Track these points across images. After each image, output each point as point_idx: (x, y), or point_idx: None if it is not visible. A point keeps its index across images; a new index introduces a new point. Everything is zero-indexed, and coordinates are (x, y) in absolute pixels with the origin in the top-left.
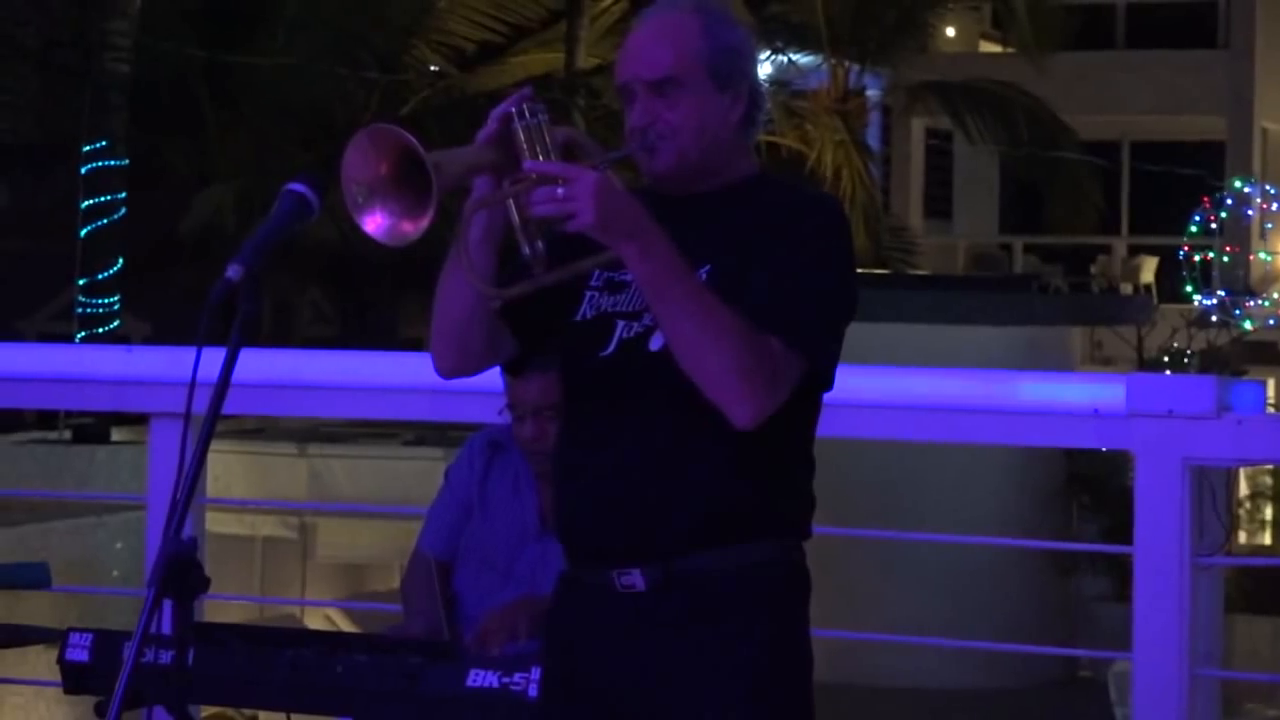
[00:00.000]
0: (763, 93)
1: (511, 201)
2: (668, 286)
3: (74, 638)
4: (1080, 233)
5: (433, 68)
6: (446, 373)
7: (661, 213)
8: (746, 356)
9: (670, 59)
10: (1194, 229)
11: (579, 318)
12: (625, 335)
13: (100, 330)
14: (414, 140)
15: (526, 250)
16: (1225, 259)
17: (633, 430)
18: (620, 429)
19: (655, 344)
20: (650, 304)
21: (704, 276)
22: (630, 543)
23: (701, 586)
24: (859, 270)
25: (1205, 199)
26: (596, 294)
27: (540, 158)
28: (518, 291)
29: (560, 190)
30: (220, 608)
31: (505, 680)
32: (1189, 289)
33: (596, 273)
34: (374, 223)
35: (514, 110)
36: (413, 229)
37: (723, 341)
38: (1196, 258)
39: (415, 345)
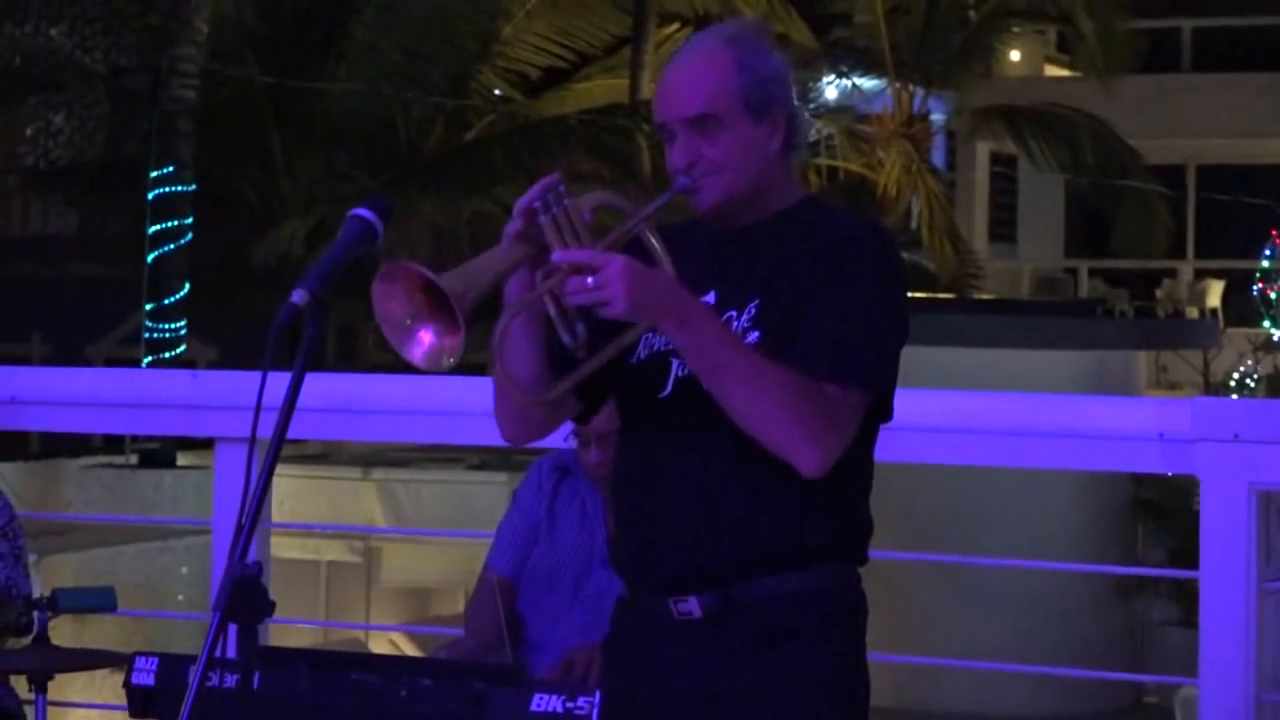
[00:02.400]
0: (802, 117)
1: (547, 295)
2: (710, 355)
3: (140, 661)
4: (1146, 257)
5: (497, 93)
6: (512, 441)
7: (710, 248)
8: (801, 410)
9: (706, 95)
10: (1266, 263)
11: (635, 359)
12: (681, 374)
13: (167, 355)
14: (428, 272)
15: (567, 338)
16: None
17: (690, 465)
18: (678, 464)
19: (713, 393)
20: (697, 373)
21: (753, 311)
22: (686, 573)
23: (759, 614)
24: (937, 295)
25: (1275, 232)
26: (650, 334)
27: (570, 243)
28: (561, 391)
29: (590, 280)
30: (285, 632)
31: (569, 705)
32: (1266, 324)
33: None
34: (419, 351)
35: (538, 204)
36: (454, 345)
37: (775, 401)
38: (1272, 294)
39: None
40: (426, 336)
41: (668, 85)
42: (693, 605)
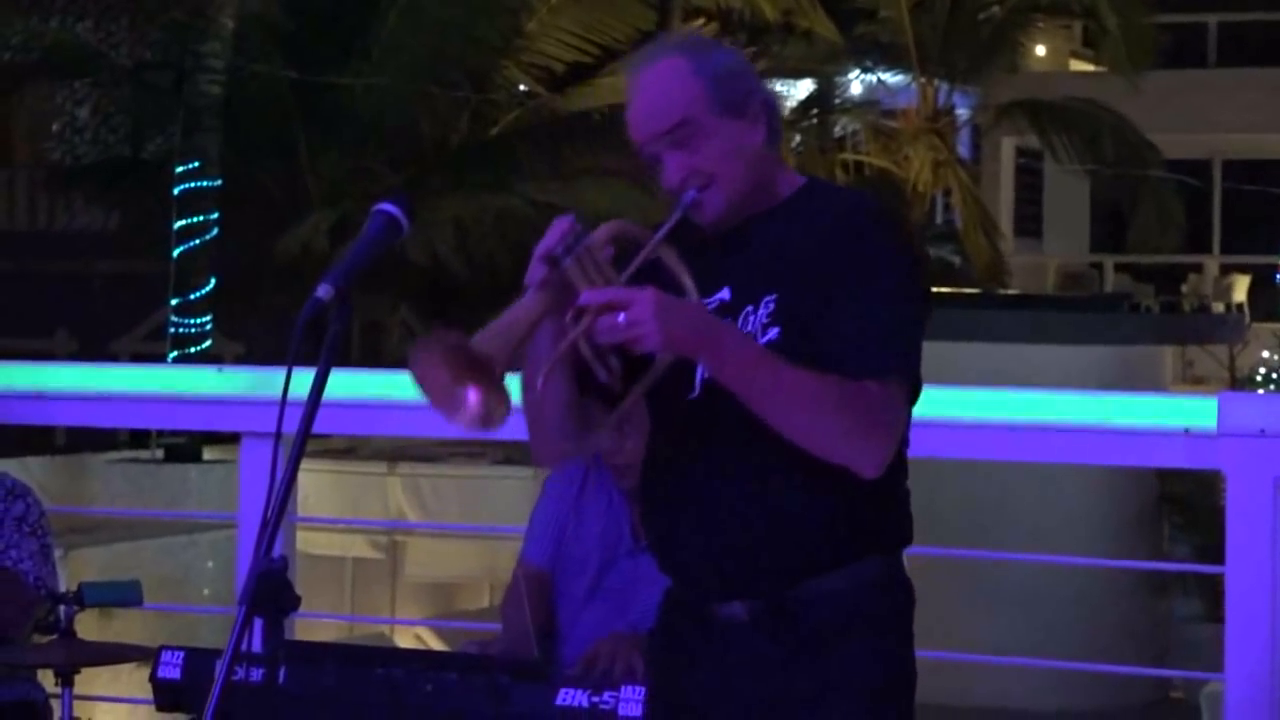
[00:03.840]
0: (774, 101)
1: (580, 339)
2: (749, 379)
3: (166, 655)
4: (1169, 252)
5: (522, 88)
6: (550, 465)
7: (720, 245)
8: (849, 417)
9: (673, 103)
10: None
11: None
12: (706, 376)
13: (192, 350)
14: (461, 342)
15: (603, 376)
16: None
17: (723, 468)
18: (710, 467)
19: (757, 413)
20: (739, 396)
21: (771, 305)
22: (728, 579)
23: (805, 614)
24: (962, 290)
25: None
26: None
27: (596, 281)
28: (607, 438)
29: (622, 317)
30: (310, 626)
31: (595, 700)
32: None
33: None
34: (469, 413)
35: (559, 249)
36: (499, 405)
37: (822, 412)
38: None
39: None
40: (473, 397)
41: (635, 110)
42: (738, 610)
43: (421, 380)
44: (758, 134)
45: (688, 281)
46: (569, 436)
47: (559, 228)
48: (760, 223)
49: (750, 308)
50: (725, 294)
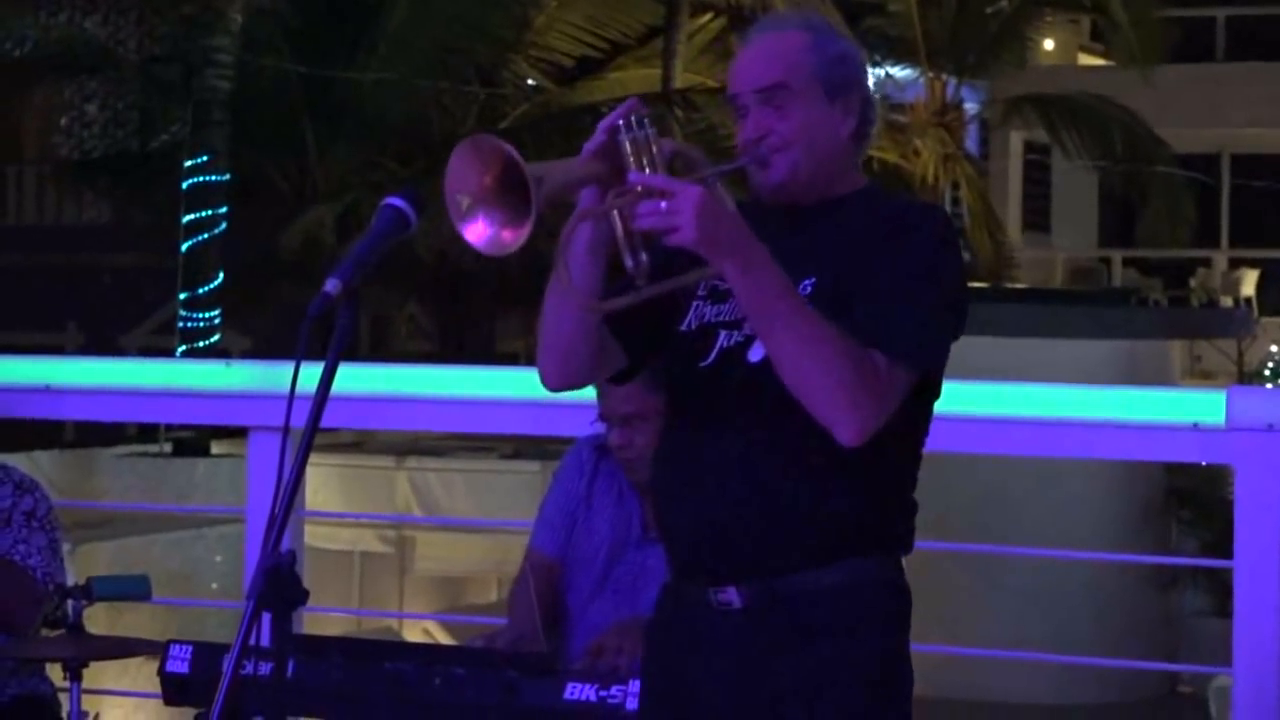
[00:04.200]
0: (874, 104)
1: (616, 214)
2: (768, 304)
3: (174, 649)
4: (1178, 246)
5: (530, 82)
6: (554, 387)
7: (767, 224)
8: (849, 373)
9: (779, 67)
10: None
11: (684, 328)
12: (725, 345)
13: (201, 344)
14: (515, 152)
15: (630, 263)
16: None
17: (731, 444)
18: (718, 442)
19: (755, 355)
20: (751, 321)
21: (809, 289)
22: (726, 562)
23: (800, 606)
24: (973, 284)
25: None
26: (701, 303)
27: (646, 170)
28: (618, 305)
29: (663, 204)
30: (319, 620)
31: (603, 694)
32: None
33: (702, 282)
34: (476, 232)
35: (621, 122)
36: (512, 239)
37: (824, 358)
38: None
39: (513, 359)
40: (490, 222)
41: (740, 61)
42: (732, 595)
43: (452, 174)
44: (846, 125)
45: (731, 209)
46: (585, 296)
47: (626, 105)
48: (815, 214)
49: None
50: None
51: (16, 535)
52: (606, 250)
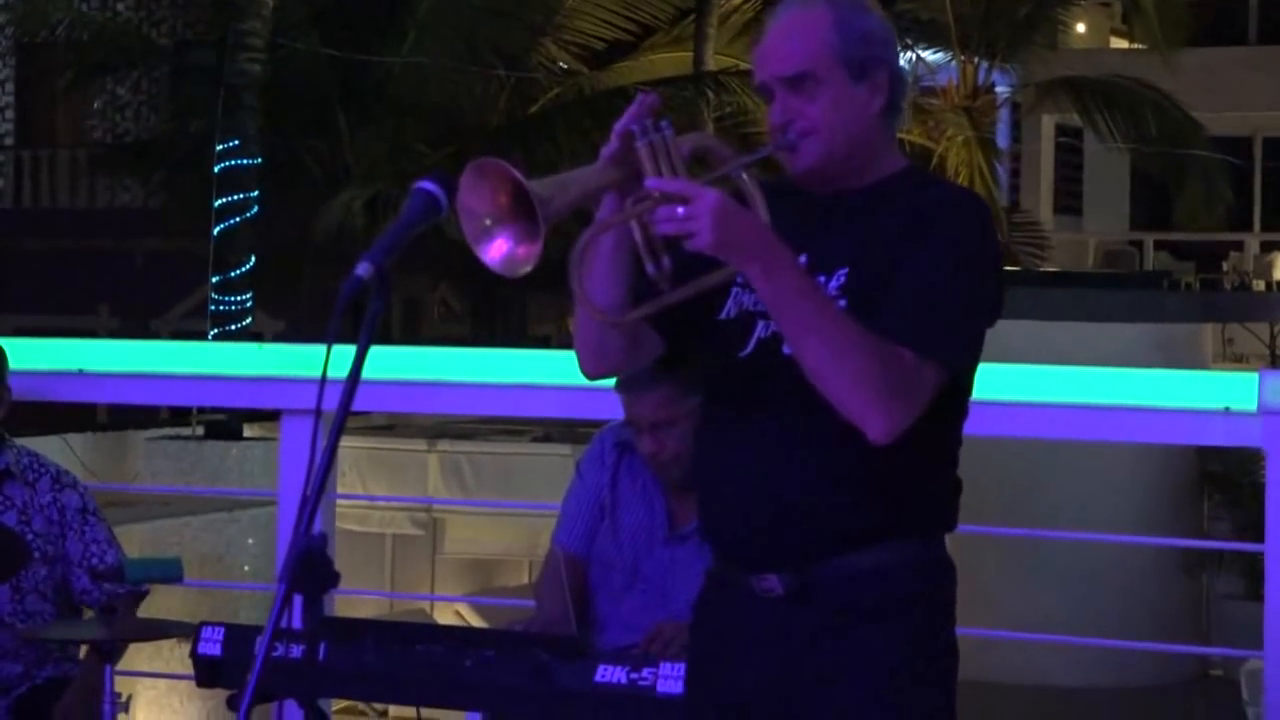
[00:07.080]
0: (904, 78)
1: (635, 220)
2: (791, 306)
3: (206, 632)
4: (1207, 229)
5: (562, 65)
6: (591, 376)
7: (808, 211)
8: (875, 374)
9: (803, 53)
10: None
11: (724, 315)
12: (763, 335)
13: (233, 328)
14: (518, 174)
15: (651, 268)
16: None
17: (767, 433)
18: (756, 431)
19: (790, 347)
20: (776, 322)
21: (842, 279)
22: (766, 549)
23: (840, 591)
24: (1006, 268)
25: None
26: (740, 290)
27: (664, 173)
28: (637, 316)
29: (681, 210)
30: (350, 603)
31: (633, 676)
32: None
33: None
34: (494, 252)
35: (635, 128)
36: (526, 255)
37: (850, 359)
38: None
39: (544, 343)
40: (504, 241)
41: (766, 45)
42: (773, 583)
43: (463, 200)
44: (875, 103)
45: (760, 210)
46: (603, 312)
47: (639, 104)
48: (851, 197)
49: (823, 277)
50: (802, 260)
51: (84, 537)
52: (629, 255)
